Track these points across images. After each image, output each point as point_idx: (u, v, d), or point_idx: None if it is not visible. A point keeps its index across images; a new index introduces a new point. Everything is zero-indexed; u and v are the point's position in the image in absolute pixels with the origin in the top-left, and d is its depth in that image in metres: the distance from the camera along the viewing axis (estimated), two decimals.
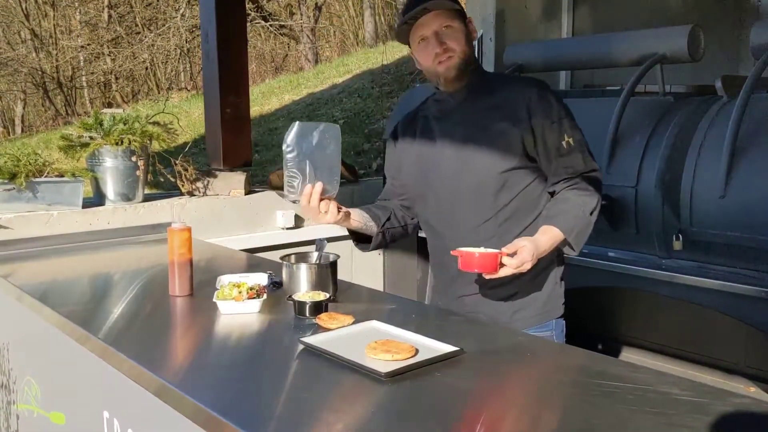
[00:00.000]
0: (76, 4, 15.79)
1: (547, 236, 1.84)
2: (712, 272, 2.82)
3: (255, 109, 9.20)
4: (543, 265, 1.95)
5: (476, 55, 2.03)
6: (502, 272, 1.76)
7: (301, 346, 1.66)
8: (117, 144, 3.12)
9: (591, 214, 1.89)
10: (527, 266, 1.77)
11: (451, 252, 1.77)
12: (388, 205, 2.18)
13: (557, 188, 1.93)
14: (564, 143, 1.90)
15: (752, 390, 3.27)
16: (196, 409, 1.39)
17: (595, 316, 3.76)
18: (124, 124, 3.18)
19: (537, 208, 1.96)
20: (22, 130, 15.37)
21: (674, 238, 2.86)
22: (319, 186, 1.83)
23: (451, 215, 1.98)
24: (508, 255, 1.75)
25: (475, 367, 1.56)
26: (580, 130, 1.96)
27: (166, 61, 16.29)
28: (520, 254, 1.75)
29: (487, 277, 1.77)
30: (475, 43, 2.06)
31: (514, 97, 1.92)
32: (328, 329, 1.77)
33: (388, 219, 2.12)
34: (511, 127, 1.90)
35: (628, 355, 3.70)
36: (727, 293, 2.77)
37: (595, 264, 3.12)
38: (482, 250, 1.76)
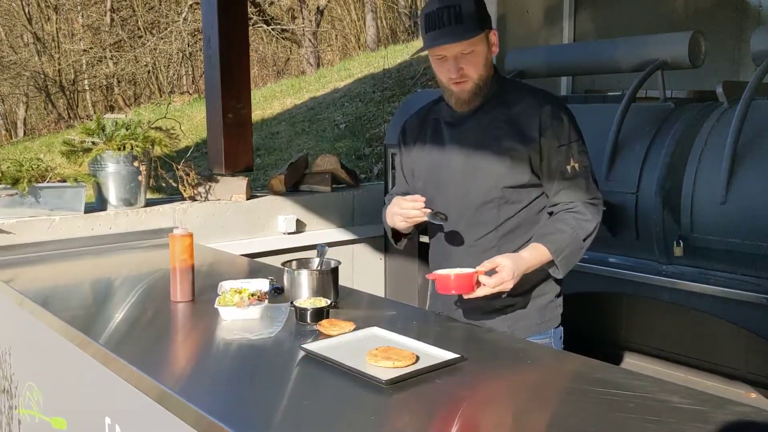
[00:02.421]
0: (79, 8, 15.83)
1: (534, 254, 1.82)
2: (713, 278, 2.82)
3: (257, 113, 9.20)
4: (542, 277, 1.95)
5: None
6: (480, 292, 1.74)
7: (302, 353, 1.67)
8: (119, 149, 3.13)
9: (584, 240, 1.86)
10: (508, 285, 1.74)
11: (426, 276, 1.77)
12: None
13: (555, 210, 1.92)
14: (569, 168, 1.88)
15: (753, 396, 3.27)
16: (197, 416, 1.40)
17: (596, 321, 3.76)
18: (126, 130, 3.18)
19: (538, 223, 1.95)
20: (25, 134, 15.40)
21: (675, 244, 2.86)
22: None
23: (457, 224, 1.96)
24: (486, 273, 1.73)
25: (475, 374, 1.57)
26: (588, 155, 1.94)
27: (168, 65, 16.32)
28: (500, 273, 1.73)
29: (466, 297, 1.75)
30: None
31: (528, 114, 1.89)
32: (329, 336, 1.78)
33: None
34: (521, 145, 1.88)
35: (629, 360, 3.70)
36: (727, 299, 2.77)
37: (596, 270, 3.12)
38: (457, 271, 1.75)
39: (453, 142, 1.97)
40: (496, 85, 1.95)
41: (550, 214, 1.94)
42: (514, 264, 1.75)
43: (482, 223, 1.93)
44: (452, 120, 1.99)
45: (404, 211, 1.88)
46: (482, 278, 1.73)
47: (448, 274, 1.73)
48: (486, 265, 1.75)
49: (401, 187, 2.18)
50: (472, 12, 1.81)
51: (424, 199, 1.88)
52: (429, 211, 1.87)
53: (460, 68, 1.85)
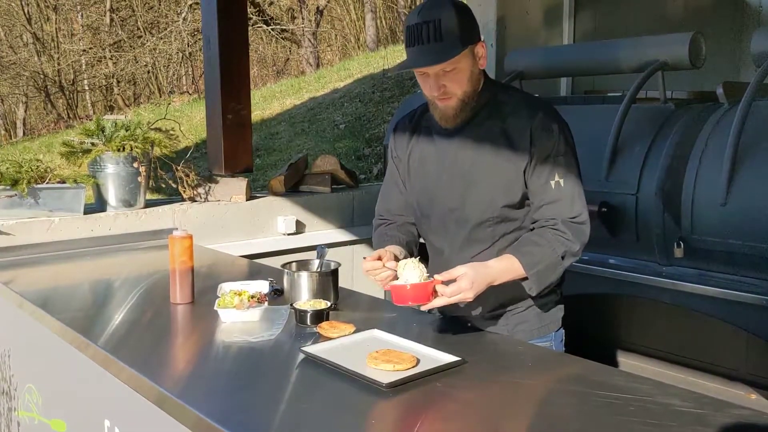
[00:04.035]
0: (78, 8, 15.82)
1: (503, 264, 1.72)
2: (713, 280, 2.81)
3: (256, 114, 9.20)
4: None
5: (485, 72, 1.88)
6: (436, 302, 1.64)
7: (301, 356, 1.66)
8: (119, 150, 3.13)
9: (563, 258, 1.76)
10: (467, 296, 1.64)
11: (383, 288, 1.68)
12: (411, 224, 2.04)
13: (536, 226, 1.83)
14: (553, 183, 1.78)
15: (753, 397, 3.26)
16: (197, 419, 1.39)
17: (596, 323, 3.75)
18: (126, 131, 3.18)
19: None
20: (24, 134, 15.39)
21: (675, 246, 2.86)
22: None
23: (453, 240, 1.93)
24: (444, 283, 1.65)
25: (476, 377, 1.57)
26: (578, 170, 1.83)
27: (168, 65, 16.31)
28: (458, 282, 1.64)
29: (423, 309, 1.66)
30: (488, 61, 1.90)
31: (521, 126, 1.81)
32: (329, 338, 1.77)
33: (417, 241, 2.02)
34: (517, 160, 1.80)
35: (629, 361, 3.69)
36: (727, 301, 2.76)
37: (596, 271, 3.11)
38: (415, 278, 1.65)
39: (447, 157, 1.89)
40: (488, 94, 1.85)
41: (531, 230, 1.87)
42: (474, 272, 1.65)
43: (478, 240, 1.88)
44: (445, 131, 1.90)
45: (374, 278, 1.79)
46: (439, 288, 1.64)
47: (404, 285, 1.64)
48: (445, 275, 1.65)
49: (395, 199, 2.05)
50: (453, 27, 1.70)
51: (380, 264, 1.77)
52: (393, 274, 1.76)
53: (442, 85, 1.76)
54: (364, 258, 1.82)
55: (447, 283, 1.66)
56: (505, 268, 1.73)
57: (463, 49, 1.72)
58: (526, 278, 1.75)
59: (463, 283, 1.64)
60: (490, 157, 1.83)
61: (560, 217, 1.79)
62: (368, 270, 1.78)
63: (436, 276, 1.66)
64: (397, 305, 1.71)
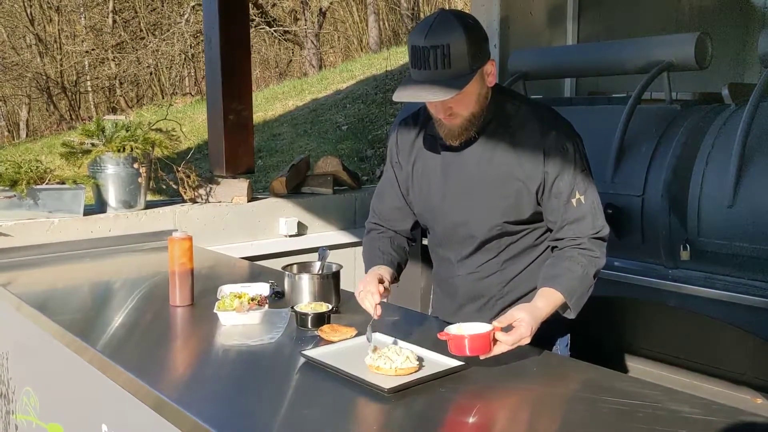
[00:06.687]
0: (81, 9, 15.84)
1: (546, 301, 1.69)
2: (719, 283, 2.78)
3: (259, 115, 9.19)
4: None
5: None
6: (497, 350, 1.58)
7: (302, 360, 1.64)
8: (119, 151, 3.10)
9: (594, 277, 1.76)
10: (526, 341, 1.61)
11: (438, 335, 1.62)
12: (403, 238, 2.01)
13: (560, 245, 1.79)
14: (574, 201, 1.75)
15: (759, 401, 3.23)
16: (194, 425, 1.37)
17: (600, 325, 3.72)
18: (126, 131, 3.16)
19: (542, 244, 1.87)
20: (27, 135, 15.41)
21: (681, 248, 2.83)
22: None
23: (461, 252, 1.90)
24: (502, 329, 1.59)
25: (480, 382, 1.54)
26: (594, 185, 1.80)
27: (171, 67, 16.33)
28: (518, 329, 1.59)
29: (483, 357, 1.59)
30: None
31: (532, 142, 1.76)
32: (331, 342, 1.75)
33: (405, 262, 2.00)
34: (525, 177, 1.76)
35: (633, 365, 3.66)
36: (734, 304, 2.73)
37: (601, 274, 3.07)
38: (471, 327, 1.60)
39: (451, 172, 1.84)
40: (494, 107, 1.79)
41: (553, 248, 1.84)
42: (531, 317, 1.61)
43: (485, 250, 1.87)
44: (450, 145, 1.83)
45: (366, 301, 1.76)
46: (499, 336, 1.57)
47: (462, 336, 1.57)
48: (503, 320, 1.61)
49: (389, 202, 2.00)
50: (462, 52, 1.62)
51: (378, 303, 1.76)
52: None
53: (449, 107, 1.70)
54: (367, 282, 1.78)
55: (505, 329, 1.60)
56: (549, 303, 1.70)
57: (472, 75, 1.65)
58: (564, 304, 1.74)
59: (523, 329, 1.59)
60: (498, 175, 1.79)
61: (585, 234, 1.77)
62: (368, 294, 1.75)
63: (494, 323, 1.61)
64: (395, 307, 1.68)
